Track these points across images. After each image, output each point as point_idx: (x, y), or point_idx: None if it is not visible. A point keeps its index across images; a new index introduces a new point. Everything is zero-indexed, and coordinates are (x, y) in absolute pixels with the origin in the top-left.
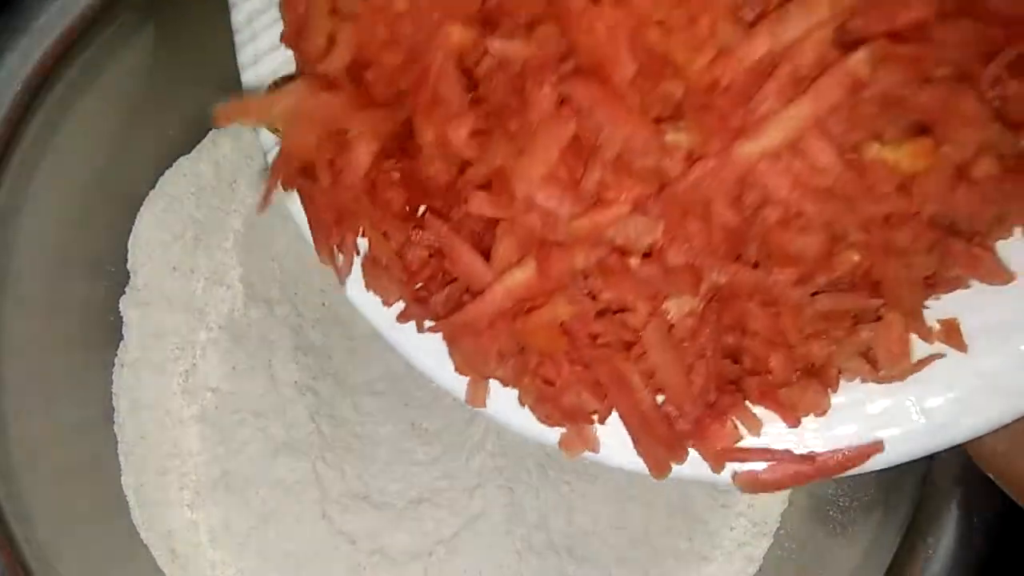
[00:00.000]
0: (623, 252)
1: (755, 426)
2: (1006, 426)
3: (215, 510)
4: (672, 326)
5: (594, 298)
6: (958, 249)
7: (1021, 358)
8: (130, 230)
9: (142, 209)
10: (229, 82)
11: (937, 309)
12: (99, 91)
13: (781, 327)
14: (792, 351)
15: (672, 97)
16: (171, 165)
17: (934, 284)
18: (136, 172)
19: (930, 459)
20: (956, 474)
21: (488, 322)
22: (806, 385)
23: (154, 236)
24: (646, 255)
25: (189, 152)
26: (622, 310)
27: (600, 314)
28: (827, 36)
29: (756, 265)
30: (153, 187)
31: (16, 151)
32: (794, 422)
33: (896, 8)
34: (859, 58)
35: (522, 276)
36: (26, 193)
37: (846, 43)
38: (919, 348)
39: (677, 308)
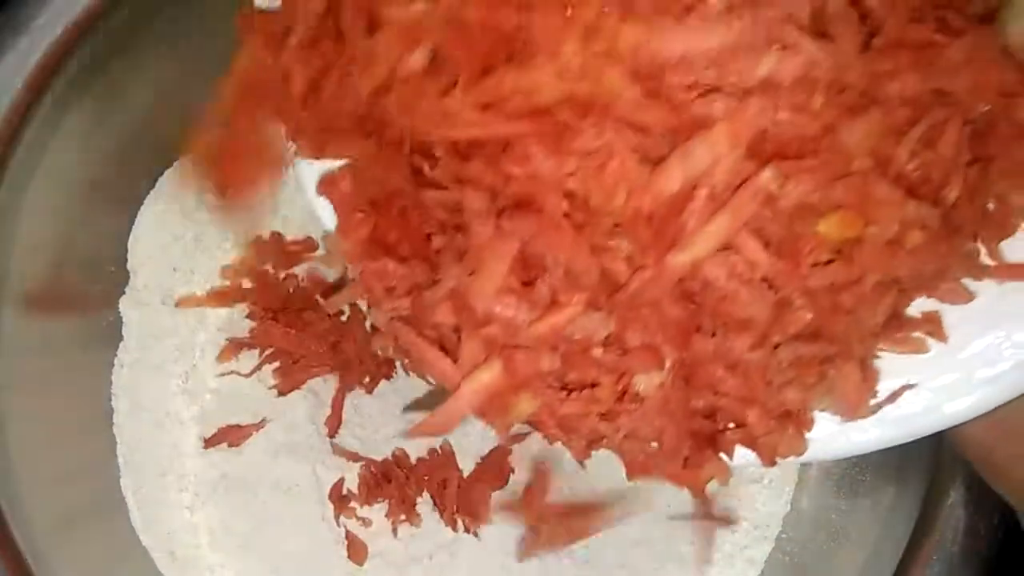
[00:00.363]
0: (584, 345)
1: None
2: (985, 415)
3: (214, 512)
4: (643, 399)
5: (561, 384)
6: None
7: (998, 348)
8: (130, 230)
9: (142, 209)
10: None
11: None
12: (99, 90)
13: (751, 385)
14: (766, 404)
15: (606, 223)
16: (171, 165)
17: (901, 326)
18: (136, 172)
19: (934, 462)
20: (962, 476)
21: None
22: (783, 430)
23: (154, 236)
24: (607, 340)
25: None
26: (592, 385)
27: (568, 394)
28: (736, 159)
29: (715, 333)
30: (153, 187)
31: (16, 151)
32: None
33: (799, 127)
34: (767, 177)
35: (488, 377)
36: (26, 193)
37: (759, 155)
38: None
39: (646, 382)
